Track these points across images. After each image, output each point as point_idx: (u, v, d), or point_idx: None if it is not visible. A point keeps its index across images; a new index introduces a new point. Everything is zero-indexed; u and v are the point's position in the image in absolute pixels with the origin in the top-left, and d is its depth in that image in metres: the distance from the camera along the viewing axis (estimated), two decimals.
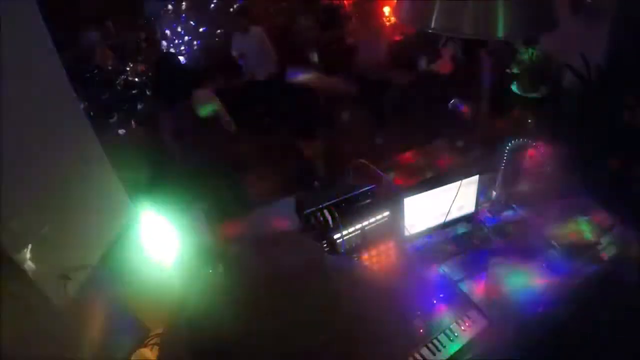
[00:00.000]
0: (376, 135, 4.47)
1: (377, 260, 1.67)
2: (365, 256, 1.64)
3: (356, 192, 1.63)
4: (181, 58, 4.91)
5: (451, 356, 1.45)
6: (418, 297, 1.61)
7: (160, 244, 1.45)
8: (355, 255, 1.62)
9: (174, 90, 2.36)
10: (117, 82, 4.27)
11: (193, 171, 2.39)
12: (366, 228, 1.59)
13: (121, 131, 4.06)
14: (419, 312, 1.52)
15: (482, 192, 1.92)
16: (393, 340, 0.69)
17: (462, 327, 1.52)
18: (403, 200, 1.73)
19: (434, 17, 0.95)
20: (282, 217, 1.79)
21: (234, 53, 4.45)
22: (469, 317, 1.55)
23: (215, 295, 0.62)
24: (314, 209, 1.53)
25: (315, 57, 4.53)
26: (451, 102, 2.09)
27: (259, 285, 0.58)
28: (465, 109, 2.03)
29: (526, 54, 2.42)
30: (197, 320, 0.61)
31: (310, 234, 1.54)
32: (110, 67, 4.26)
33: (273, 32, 4.62)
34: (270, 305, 0.58)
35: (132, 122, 4.10)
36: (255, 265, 0.62)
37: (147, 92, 4.39)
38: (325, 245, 1.54)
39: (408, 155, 2.20)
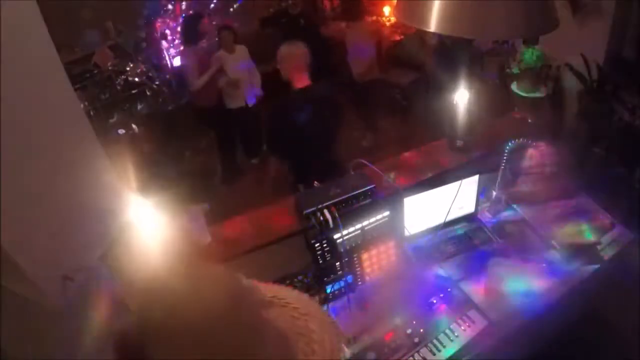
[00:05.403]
0: (373, 136, 4.47)
1: (377, 260, 1.67)
2: (365, 256, 1.64)
3: (356, 192, 1.63)
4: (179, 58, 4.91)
5: (451, 356, 1.46)
6: (417, 297, 1.61)
7: (161, 243, 1.45)
8: (355, 255, 1.62)
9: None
10: (117, 82, 4.27)
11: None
12: (366, 228, 1.59)
13: (121, 131, 4.06)
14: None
15: (482, 192, 1.92)
16: None
17: (462, 327, 1.52)
18: (403, 200, 1.73)
19: (433, 17, 0.95)
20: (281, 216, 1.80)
21: (223, 83, 3.77)
22: (469, 317, 1.55)
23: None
24: (314, 209, 1.53)
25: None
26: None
27: (179, 324, 0.58)
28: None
29: (526, 54, 2.42)
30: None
31: (310, 234, 1.54)
32: (110, 67, 4.26)
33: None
34: (194, 345, 0.58)
35: (132, 122, 4.11)
36: (174, 304, 0.61)
37: (147, 92, 4.40)
38: (325, 245, 1.54)
39: (408, 155, 2.20)
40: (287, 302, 0.81)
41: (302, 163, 2.59)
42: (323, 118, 2.46)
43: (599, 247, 1.79)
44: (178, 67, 4.69)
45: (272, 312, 0.72)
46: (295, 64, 2.41)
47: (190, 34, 3.81)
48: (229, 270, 0.67)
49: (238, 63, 3.83)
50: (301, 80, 2.41)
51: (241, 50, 3.89)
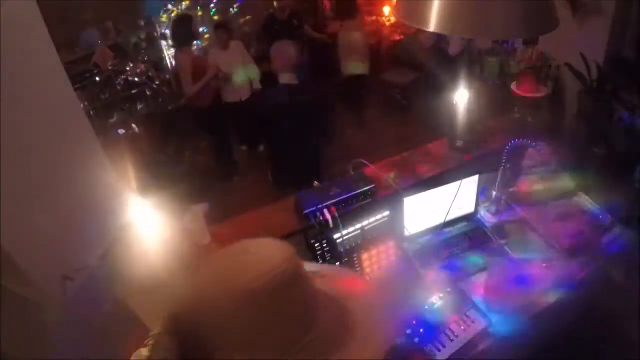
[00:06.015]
0: (365, 134, 4.48)
1: (377, 260, 1.67)
2: (365, 256, 1.64)
3: (356, 192, 1.63)
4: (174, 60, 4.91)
5: (451, 356, 1.45)
6: (417, 298, 1.61)
7: (161, 242, 1.45)
8: (355, 255, 1.62)
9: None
10: (117, 82, 4.27)
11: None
12: (366, 228, 1.59)
13: (121, 131, 4.06)
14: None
15: (482, 192, 1.92)
16: (376, 336, 0.70)
17: (462, 327, 1.52)
18: (403, 200, 1.73)
19: (433, 17, 0.95)
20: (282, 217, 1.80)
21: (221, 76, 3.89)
22: (469, 317, 1.55)
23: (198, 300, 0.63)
24: (314, 209, 1.54)
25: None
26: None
27: (233, 298, 0.58)
28: None
29: (526, 54, 2.42)
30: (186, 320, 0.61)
31: (310, 234, 1.54)
32: (110, 67, 4.26)
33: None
34: (249, 316, 0.58)
35: (132, 122, 4.11)
36: (226, 278, 0.61)
37: (147, 92, 4.40)
38: (325, 245, 1.54)
39: (408, 155, 2.20)
40: (322, 274, 0.81)
41: (287, 161, 2.62)
42: (307, 114, 2.52)
43: (598, 247, 1.79)
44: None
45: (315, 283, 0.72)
46: (281, 61, 2.50)
47: (181, 36, 3.83)
48: (284, 242, 0.67)
49: (232, 58, 3.89)
50: (286, 77, 2.50)
51: (236, 46, 3.95)
